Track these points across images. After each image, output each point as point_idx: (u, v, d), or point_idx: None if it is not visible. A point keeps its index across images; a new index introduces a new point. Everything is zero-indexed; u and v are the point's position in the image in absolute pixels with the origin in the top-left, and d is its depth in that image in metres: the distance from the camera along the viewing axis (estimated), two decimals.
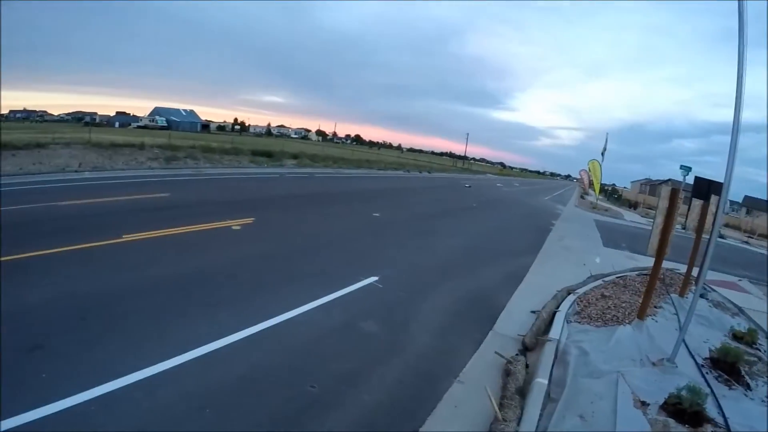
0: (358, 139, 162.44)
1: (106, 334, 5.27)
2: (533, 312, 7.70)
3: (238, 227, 11.09)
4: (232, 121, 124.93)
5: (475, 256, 11.75)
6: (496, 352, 5.96)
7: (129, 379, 4.36)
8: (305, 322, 6.17)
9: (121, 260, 7.97)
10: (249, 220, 11.88)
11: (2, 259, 7.24)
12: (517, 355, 5.98)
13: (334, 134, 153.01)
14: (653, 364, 5.80)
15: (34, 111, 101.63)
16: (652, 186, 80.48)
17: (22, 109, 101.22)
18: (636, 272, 11.44)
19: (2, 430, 3.54)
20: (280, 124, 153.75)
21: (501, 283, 9.47)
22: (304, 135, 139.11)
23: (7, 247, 7.78)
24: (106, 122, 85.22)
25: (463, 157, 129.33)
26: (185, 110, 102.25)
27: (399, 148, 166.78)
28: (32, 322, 5.38)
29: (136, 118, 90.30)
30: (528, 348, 6.29)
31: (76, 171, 20.37)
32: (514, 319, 7.43)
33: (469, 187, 25.71)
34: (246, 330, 5.65)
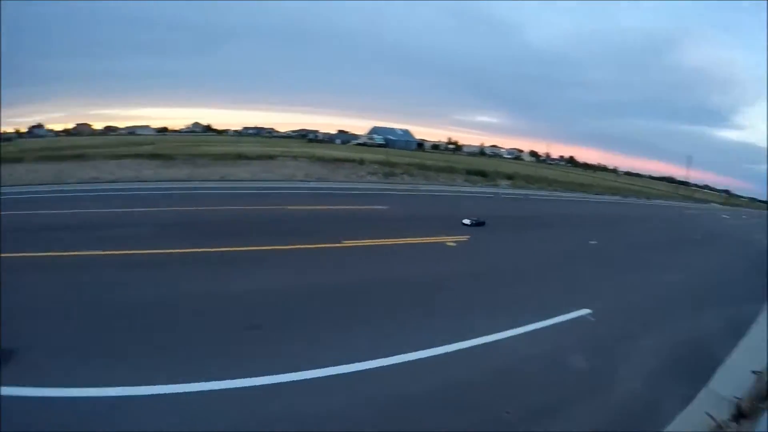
0: (571, 161, 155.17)
1: (318, 325, 6.03)
2: (754, 372, 6.34)
3: (453, 244, 11.11)
4: (445, 140, 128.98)
5: (695, 297, 10.08)
6: (706, 413, 5.10)
7: (328, 371, 4.82)
8: (509, 347, 6.03)
9: (338, 263, 9.03)
10: (464, 238, 11.83)
11: (237, 249, 9.23)
12: (729, 420, 5.13)
13: (547, 155, 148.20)
14: None
15: (264, 128, 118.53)
16: None
17: (254, 126, 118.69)
18: None
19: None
20: (492, 143, 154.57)
21: (722, 332, 7.95)
22: (516, 155, 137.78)
23: (253, 240, 9.99)
24: (328, 139, 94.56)
25: (685, 183, 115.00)
26: (401, 129, 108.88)
27: (614, 171, 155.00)
28: (258, 304, 6.59)
29: (355, 136, 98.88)
30: (743, 414, 5.20)
31: (301, 181, 22.70)
32: (732, 377, 6.13)
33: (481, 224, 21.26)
34: (447, 346, 5.70)
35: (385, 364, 5.04)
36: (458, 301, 7.40)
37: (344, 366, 4.91)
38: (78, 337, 5.63)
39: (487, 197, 24.99)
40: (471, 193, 25.99)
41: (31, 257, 8.40)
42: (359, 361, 5.03)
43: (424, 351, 5.42)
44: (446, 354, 5.48)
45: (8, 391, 4.31)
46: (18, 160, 28.04)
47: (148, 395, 4.33)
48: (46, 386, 4.41)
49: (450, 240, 11.38)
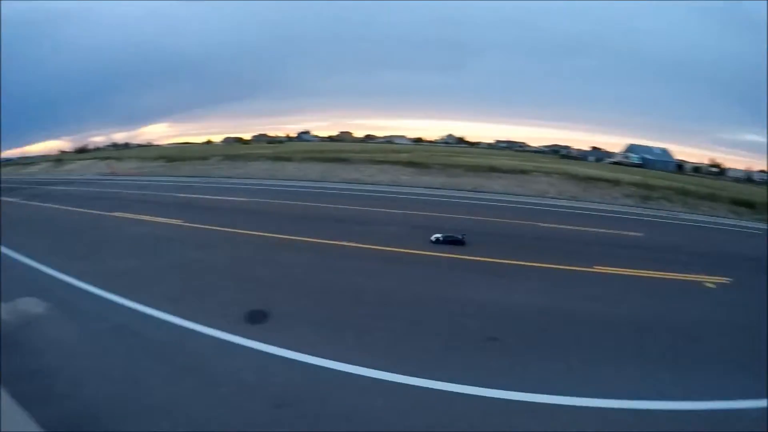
0: None
1: (550, 348, 6.27)
2: None
3: (712, 285, 10.48)
4: (706, 161, 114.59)
5: None
6: None
7: (552, 398, 4.90)
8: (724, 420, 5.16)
9: (588, 289, 9.28)
10: (725, 280, 11.02)
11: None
12: None
13: None
14: None
15: (515, 141, 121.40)
16: None
17: (505, 140, 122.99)
18: None
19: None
20: (762, 168, 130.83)
21: None
22: None
23: (499, 253, 11.09)
24: (581, 156, 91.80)
25: None
26: (659, 148, 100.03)
27: None
28: (498, 317, 7.19)
29: (609, 154, 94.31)
30: None
31: (553, 198, 23.21)
32: None
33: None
34: (677, 402, 5.21)
35: (598, 406, 4.86)
36: (701, 355, 6.80)
37: (560, 397, 4.91)
38: (322, 312, 6.87)
39: (755, 234, 22.20)
40: (734, 228, 23.12)
41: (300, 241, 11.41)
42: (580, 396, 4.97)
43: (650, 402, 5.08)
44: (678, 411, 5.07)
45: (252, 344, 5.46)
46: (288, 159, 34.39)
47: (367, 376, 4.99)
48: (280, 347, 5.40)
49: (708, 280, 10.81)
